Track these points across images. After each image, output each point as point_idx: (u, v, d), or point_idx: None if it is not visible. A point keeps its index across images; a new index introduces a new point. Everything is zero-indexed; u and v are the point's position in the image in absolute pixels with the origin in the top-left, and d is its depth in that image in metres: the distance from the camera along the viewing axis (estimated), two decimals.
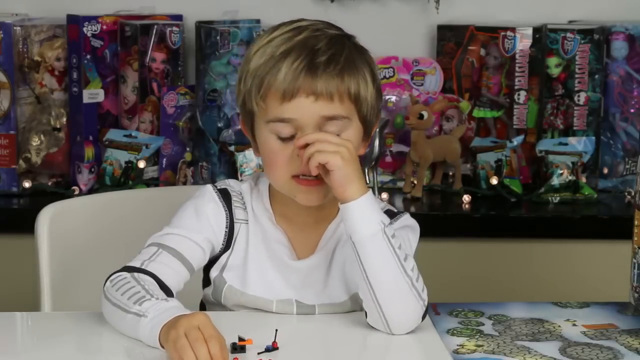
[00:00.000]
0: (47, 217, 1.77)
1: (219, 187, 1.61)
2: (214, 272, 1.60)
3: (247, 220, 1.60)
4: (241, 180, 1.67)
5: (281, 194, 1.57)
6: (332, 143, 1.45)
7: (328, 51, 1.50)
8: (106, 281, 1.50)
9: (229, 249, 1.60)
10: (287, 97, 1.48)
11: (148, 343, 1.41)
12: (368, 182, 2.54)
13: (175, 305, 1.43)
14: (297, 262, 1.58)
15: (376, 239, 1.46)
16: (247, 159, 2.46)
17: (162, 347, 1.39)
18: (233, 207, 1.60)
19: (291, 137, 1.50)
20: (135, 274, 1.49)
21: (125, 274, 1.49)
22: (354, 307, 1.58)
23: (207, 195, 1.60)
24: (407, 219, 1.61)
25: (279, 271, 1.58)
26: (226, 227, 1.59)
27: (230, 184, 1.63)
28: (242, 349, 1.40)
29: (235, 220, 1.59)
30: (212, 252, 1.59)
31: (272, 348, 1.40)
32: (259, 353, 1.39)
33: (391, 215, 1.59)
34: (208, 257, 1.59)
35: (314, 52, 1.49)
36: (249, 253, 1.59)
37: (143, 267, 1.51)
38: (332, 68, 1.49)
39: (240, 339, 1.40)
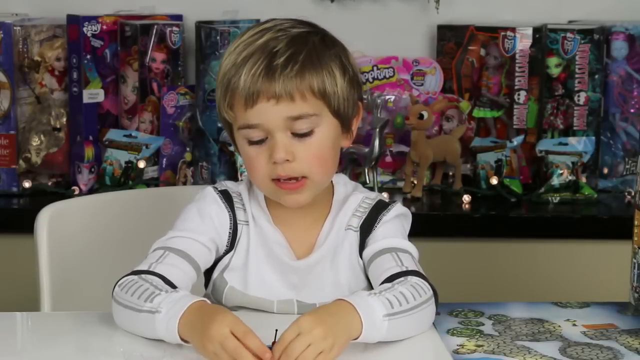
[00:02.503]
0: (47, 217, 1.77)
1: (219, 189, 1.61)
2: (215, 273, 1.60)
3: (247, 222, 1.60)
4: (239, 181, 1.67)
5: None
6: (314, 348, 1.34)
7: (287, 52, 1.49)
8: (114, 287, 1.49)
9: (232, 250, 1.60)
10: (249, 104, 1.48)
11: (167, 339, 1.41)
12: (368, 182, 2.54)
13: (184, 294, 1.43)
14: (297, 262, 1.58)
15: (390, 329, 1.43)
16: None
17: (183, 341, 1.39)
18: (235, 209, 1.60)
19: (263, 141, 1.50)
20: (143, 275, 1.49)
21: (132, 277, 1.49)
22: None
23: (209, 197, 1.60)
24: (398, 208, 1.62)
25: (279, 272, 1.58)
26: (230, 229, 1.59)
27: (228, 185, 1.63)
28: None
29: (237, 222, 1.60)
30: (217, 253, 1.59)
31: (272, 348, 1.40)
32: None
33: (383, 206, 1.61)
34: (214, 258, 1.58)
35: (272, 55, 1.48)
36: (249, 254, 1.59)
37: (151, 269, 1.50)
38: (290, 68, 1.48)
39: None
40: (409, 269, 1.53)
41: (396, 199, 2.55)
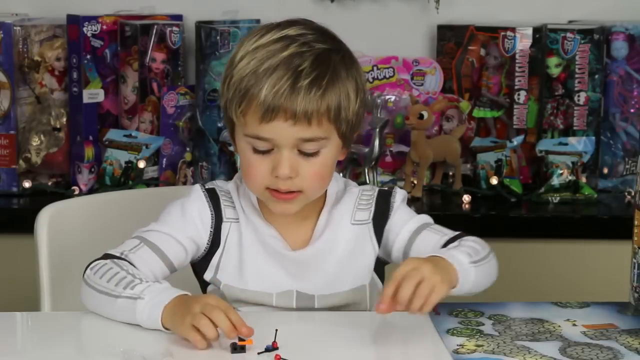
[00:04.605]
0: (47, 217, 1.77)
1: (207, 187, 1.63)
2: (208, 275, 1.61)
3: (238, 219, 1.61)
4: (227, 180, 1.69)
5: None
6: (427, 283, 1.42)
7: (311, 73, 1.50)
8: (86, 269, 1.52)
9: (217, 248, 1.60)
10: (265, 119, 1.49)
11: (146, 325, 1.43)
12: (368, 182, 2.54)
13: (168, 286, 1.46)
14: (293, 253, 1.59)
15: (477, 276, 1.53)
16: None
17: (165, 328, 1.42)
18: (222, 207, 1.61)
19: (268, 151, 1.52)
20: (116, 260, 1.51)
21: (106, 261, 1.51)
22: (355, 298, 1.59)
23: (194, 194, 1.62)
24: (400, 192, 1.66)
25: (277, 263, 1.59)
26: (211, 227, 1.60)
27: (217, 184, 1.65)
28: (242, 349, 1.40)
29: (224, 220, 1.60)
30: (196, 252, 1.60)
31: (272, 348, 1.40)
32: (259, 353, 1.39)
33: (387, 194, 1.65)
34: (190, 257, 1.60)
35: (297, 74, 1.49)
36: (243, 250, 1.60)
37: (122, 256, 1.53)
38: (314, 93, 1.49)
39: (241, 339, 1.40)
40: (454, 234, 1.62)
41: None
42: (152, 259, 1.55)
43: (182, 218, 1.59)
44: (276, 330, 1.41)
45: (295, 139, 1.50)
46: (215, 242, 1.60)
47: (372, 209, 1.63)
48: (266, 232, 1.60)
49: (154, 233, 1.58)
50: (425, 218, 1.66)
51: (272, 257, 1.59)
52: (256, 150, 1.53)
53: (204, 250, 1.61)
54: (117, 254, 1.54)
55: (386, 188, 1.66)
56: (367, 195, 1.64)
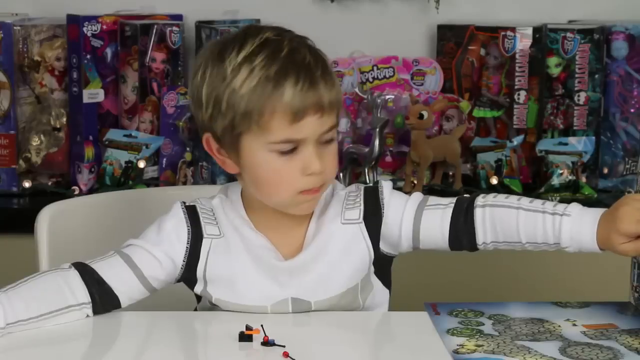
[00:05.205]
0: (47, 217, 1.78)
1: (187, 204, 1.61)
2: (198, 288, 1.60)
3: (221, 234, 1.59)
4: (211, 196, 1.66)
5: (257, 202, 1.56)
6: None
7: (317, 64, 1.50)
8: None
9: (197, 262, 1.58)
10: (297, 118, 1.47)
11: None
12: (368, 182, 2.54)
13: None
14: (285, 262, 1.57)
15: None
16: None
17: None
18: (203, 224, 1.59)
19: (292, 150, 1.49)
20: (66, 272, 1.53)
21: (57, 271, 1.54)
22: (349, 298, 1.59)
23: (173, 211, 1.61)
24: (386, 185, 1.63)
25: (269, 275, 1.57)
26: (187, 243, 1.58)
27: (200, 201, 1.63)
28: (249, 338, 1.41)
29: (205, 236, 1.58)
30: (173, 267, 1.59)
31: (264, 342, 1.41)
32: (262, 343, 1.40)
33: (373, 190, 1.62)
34: (167, 271, 1.58)
35: (307, 68, 1.48)
36: (232, 265, 1.58)
37: (88, 262, 1.55)
38: (327, 81, 1.50)
39: (248, 328, 1.41)
40: (453, 202, 1.68)
41: None
42: (120, 266, 1.55)
43: (157, 233, 1.58)
44: (262, 325, 1.41)
45: (322, 132, 1.50)
46: (193, 256, 1.58)
47: (362, 207, 1.60)
48: (257, 242, 1.58)
49: (129, 247, 1.58)
50: (417, 197, 1.64)
51: (263, 269, 1.57)
52: (282, 153, 1.49)
53: (182, 267, 1.59)
54: (86, 262, 1.55)
55: (371, 184, 1.64)
56: (354, 195, 1.62)
